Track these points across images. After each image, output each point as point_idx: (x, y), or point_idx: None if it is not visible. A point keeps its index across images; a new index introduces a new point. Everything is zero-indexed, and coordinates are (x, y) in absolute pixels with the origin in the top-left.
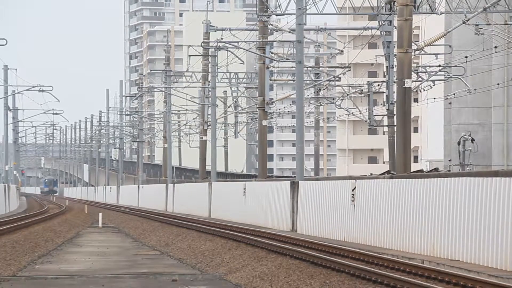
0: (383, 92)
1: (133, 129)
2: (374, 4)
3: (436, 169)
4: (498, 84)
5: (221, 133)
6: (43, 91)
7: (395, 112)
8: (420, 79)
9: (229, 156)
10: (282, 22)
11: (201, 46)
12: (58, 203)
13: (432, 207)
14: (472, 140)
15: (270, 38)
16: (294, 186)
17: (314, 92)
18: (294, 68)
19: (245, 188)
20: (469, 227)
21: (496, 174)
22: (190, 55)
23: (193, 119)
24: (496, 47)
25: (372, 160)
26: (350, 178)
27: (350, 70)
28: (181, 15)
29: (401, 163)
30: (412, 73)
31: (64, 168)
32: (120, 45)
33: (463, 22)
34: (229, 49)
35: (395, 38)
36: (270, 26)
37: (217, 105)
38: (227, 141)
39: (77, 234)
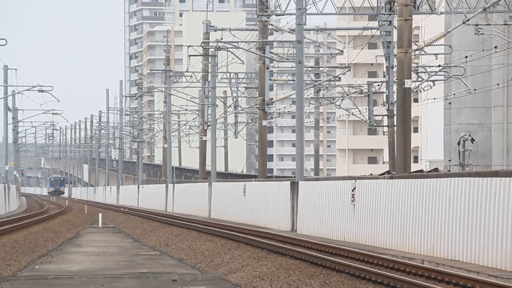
0: (383, 92)
1: (133, 129)
2: (374, 4)
3: (436, 169)
4: (498, 84)
5: (221, 133)
6: (43, 91)
7: (395, 112)
8: (420, 79)
9: (229, 156)
10: (282, 22)
11: (201, 46)
12: (58, 203)
13: (432, 207)
14: (472, 140)
15: (270, 38)
16: (294, 186)
17: (314, 92)
18: (294, 68)
19: (245, 188)
20: (469, 227)
21: (496, 174)
22: (190, 55)
23: (193, 119)
24: (496, 47)
25: (372, 160)
26: (350, 178)
27: (350, 70)
28: (181, 15)
29: (401, 163)
30: (412, 73)
31: (64, 168)
32: (120, 45)
33: (463, 22)
34: (229, 49)
35: (395, 38)
36: (270, 26)
37: (217, 105)
38: (227, 141)
39: (77, 234)
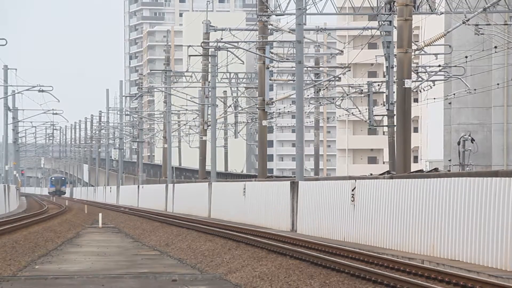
0: (383, 92)
1: (133, 129)
2: (374, 4)
3: (436, 169)
4: (498, 84)
5: (221, 133)
6: (43, 91)
7: (395, 112)
8: (420, 79)
9: (229, 156)
10: (282, 22)
11: (201, 46)
12: (58, 203)
13: (432, 207)
14: (472, 140)
15: (270, 38)
16: (294, 186)
17: (314, 92)
18: (294, 68)
19: (245, 188)
20: (469, 227)
21: (496, 174)
22: (190, 55)
23: (193, 119)
24: (496, 47)
25: (372, 160)
26: (350, 178)
27: (350, 70)
28: (181, 15)
29: (401, 163)
30: (412, 73)
31: (64, 168)
32: (120, 45)
33: (463, 22)
34: (229, 49)
35: (395, 38)
36: (270, 26)
37: (217, 105)
38: (227, 141)
39: (77, 234)
